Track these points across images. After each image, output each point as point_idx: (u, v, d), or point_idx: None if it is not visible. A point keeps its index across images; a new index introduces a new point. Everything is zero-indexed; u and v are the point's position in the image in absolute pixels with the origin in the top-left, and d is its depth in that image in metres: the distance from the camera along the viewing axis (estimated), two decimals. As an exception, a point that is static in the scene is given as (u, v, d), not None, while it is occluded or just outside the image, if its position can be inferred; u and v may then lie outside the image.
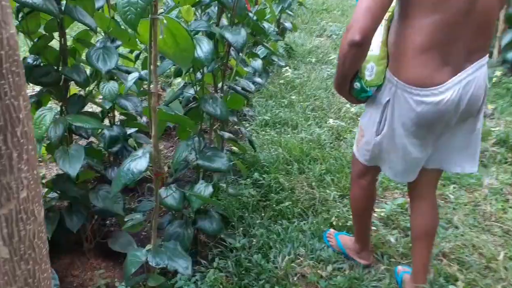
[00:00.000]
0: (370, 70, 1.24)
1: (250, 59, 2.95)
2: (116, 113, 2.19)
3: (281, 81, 3.68)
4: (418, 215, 1.49)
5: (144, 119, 2.68)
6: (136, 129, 2.72)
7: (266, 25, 3.66)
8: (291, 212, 1.98)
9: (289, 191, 2.14)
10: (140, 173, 1.15)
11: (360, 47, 1.10)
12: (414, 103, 1.19)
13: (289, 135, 2.75)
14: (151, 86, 1.14)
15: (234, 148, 2.40)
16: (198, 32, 1.50)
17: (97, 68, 1.56)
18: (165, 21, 1.03)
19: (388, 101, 1.26)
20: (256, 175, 2.20)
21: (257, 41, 3.74)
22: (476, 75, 1.19)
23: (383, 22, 1.23)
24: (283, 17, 4.55)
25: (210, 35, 1.55)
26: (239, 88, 2.00)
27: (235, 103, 2.18)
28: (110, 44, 1.63)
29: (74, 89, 1.87)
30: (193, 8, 1.57)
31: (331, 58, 4.43)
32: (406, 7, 1.14)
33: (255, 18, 3.46)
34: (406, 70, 1.19)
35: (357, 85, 1.29)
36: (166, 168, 1.84)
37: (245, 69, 3.01)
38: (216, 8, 1.68)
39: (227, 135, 1.81)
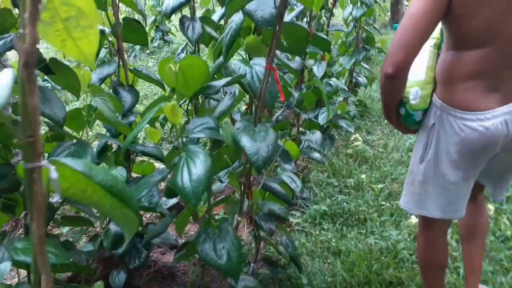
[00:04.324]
0: (415, 94, 1.22)
1: (307, 130, 2.34)
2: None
3: (349, 151, 2.98)
4: (468, 220, 1.49)
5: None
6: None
7: (333, 82, 3.05)
8: None
9: None
10: None
11: (393, 80, 1.10)
12: (458, 128, 1.15)
13: (353, 239, 2.03)
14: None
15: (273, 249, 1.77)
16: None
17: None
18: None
19: (433, 125, 1.22)
20: (296, 316, 1.53)
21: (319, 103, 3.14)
22: None
23: (430, 49, 1.24)
24: (357, 69, 3.91)
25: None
26: (277, 188, 1.39)
27: (274, 198, 1.58)
28: (85, 141, 1.13)
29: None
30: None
31: (414, 120, 3.62)
32: (453, 39, 1.13)
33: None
34: (452, 93, 1.16)
35: (402, 110, 1.25)
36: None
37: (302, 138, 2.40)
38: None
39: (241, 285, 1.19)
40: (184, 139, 0.96)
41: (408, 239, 2.05)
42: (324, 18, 4.01)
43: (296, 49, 1.07)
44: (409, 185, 1.34)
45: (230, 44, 1.13)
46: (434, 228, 1.39)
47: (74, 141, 1.14)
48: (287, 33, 1.04)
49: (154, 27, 7.53)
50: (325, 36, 2.30)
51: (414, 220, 2.18)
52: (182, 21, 2.21)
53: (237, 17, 1.16)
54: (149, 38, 7.46)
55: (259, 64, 1.06)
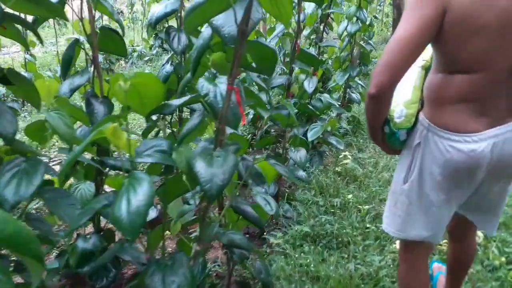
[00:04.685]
0: (399, 112, 1.21)
1: (292, 147, 2.27)
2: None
3: (338, 169, 2.91)
4: (457, 253, 1.54)
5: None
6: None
7: (324, 98, 3.00)
8: None
9: None
10: None
11: (377, 100, 1.09)
12: (444, 148, 1.14)
13: (333, 264, 1.94)
14: None
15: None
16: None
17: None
18: None
19: (419, 144, 1.20)
20: None
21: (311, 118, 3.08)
22: None
23: (417, 70, 1.23)
24: (354, 85, 3.85)
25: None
26: (249, 211, 1.32)
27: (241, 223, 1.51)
28: (39, 158, 1.05)
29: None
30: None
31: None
32: (443, 63, 1.12)
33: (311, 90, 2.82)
34: (440, 114, 1.15)
35: (386, 128, 1.24)
36: None
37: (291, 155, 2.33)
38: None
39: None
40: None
41: (392, 266, 1.96)
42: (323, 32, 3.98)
43: (265, 69, 1.01)
44: (392, 206, 1.31)
45: (197, 60, 1.08)
46: (415, 251, 1.36)
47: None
48: (254, 53, 0.98)
49: (154, 35, 7.53)
50: (313, 53, 2.26)
51: (398, 245, 2.09)
52: (168, 31, 2.16)
53: (205, 32, 1.11)
54: (148, 46, 7.45)
55: (225, 82, 1.00)
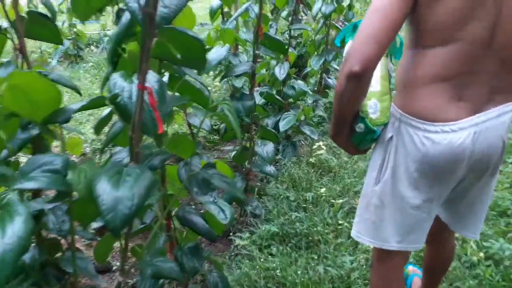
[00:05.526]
0: (374, 107, 1.06)
1: (259, 141, 2.10)
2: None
3: (312, 160, 2.76)
4: (432, 257, 1.43)
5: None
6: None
7: (297, 85, 2.82)
8: None
9: None
10: None
11: (360, 79, 0.94)
12: (419, 141, 1.01)
13: (302, 267, 1.81)
14: None
15: None
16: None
17: None
18: None
19: (391, 138, 1.07)
20: None
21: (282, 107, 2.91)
22: (498, 121, 0.98)
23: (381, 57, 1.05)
24: (332, 69, 3.67)
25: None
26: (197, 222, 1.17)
27: (192, 237, 1.36)
28: None
29: None
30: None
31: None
32: (417, 36, 1.00)
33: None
34: (413, 101, 1.02)
35: (360, 127, 1.07)
36: None
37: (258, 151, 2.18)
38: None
39: None
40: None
41: (365, 266, 1.84)
42: (302, 13, 3.76)
43: (193, 63, 0.83)
44: (363, 210, 1.18)
45: (113, 51, 0.89)
46: (390, 261, 1.22)
47: None
48: (176, 43, 0.79)
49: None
50: (278, 37, 2.07)
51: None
52: (118, 14, 1.94)
53: (124, 17, 0.92)
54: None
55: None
